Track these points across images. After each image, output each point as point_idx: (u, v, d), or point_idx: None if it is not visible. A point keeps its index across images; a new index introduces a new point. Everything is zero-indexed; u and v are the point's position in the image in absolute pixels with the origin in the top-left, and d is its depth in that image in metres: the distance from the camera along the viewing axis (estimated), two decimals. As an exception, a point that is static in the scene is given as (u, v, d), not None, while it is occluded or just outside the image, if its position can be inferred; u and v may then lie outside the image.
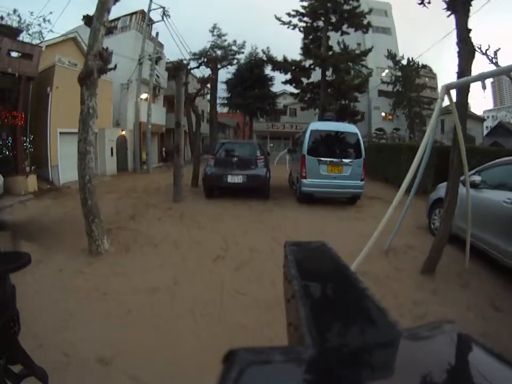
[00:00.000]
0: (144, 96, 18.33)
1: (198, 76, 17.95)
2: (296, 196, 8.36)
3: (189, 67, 14.91)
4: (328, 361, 0.33)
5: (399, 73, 34.02)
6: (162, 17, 17.38)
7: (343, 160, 7.56)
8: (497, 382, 0.31)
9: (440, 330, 0.36)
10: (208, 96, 18.81)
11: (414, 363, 0.33)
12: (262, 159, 8.13)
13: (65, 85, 13.42)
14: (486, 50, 12.20)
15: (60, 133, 13.51)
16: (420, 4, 6.16)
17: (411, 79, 33.37)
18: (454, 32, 4.35)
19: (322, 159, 7.50)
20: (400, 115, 36.40)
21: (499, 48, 12.01)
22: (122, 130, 17.71)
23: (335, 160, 7.53)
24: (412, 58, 33.30)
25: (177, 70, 8.47)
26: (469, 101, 4.51)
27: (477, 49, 11.97)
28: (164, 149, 21.08)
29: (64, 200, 8.76)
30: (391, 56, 33.62)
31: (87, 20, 4.72)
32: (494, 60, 12.06)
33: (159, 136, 22.85)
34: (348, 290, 0.47)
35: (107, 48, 4.74)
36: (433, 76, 40.00)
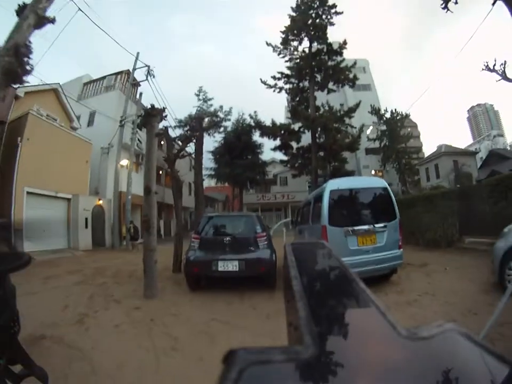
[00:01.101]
0: (124, 162, 16.88)
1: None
2: None
3: (173, 135, 13.27)
4: (327, 361, 0.33)
5: (384, 128, 34.35)
6: (147, 77, 16.76)
7: (376, 226, 5.60)
8: (497, 381, 0.31)
9: (440, 330, 0.36)
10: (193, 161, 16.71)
11: (414, 363, 0.33)
12: (264, 237, 6.05)
13: (40, 139, 12.37)
14: (493, 66, 11.38)
15: (28, 192, 11.85)
16: (443, 8, 6.53)
17: (396, 131, 33.57)
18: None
19: (349, 228, 5.50)
20: (390, 169, 36.07)
21: (505, 62, 11.27)
22: (99, 200, 15.89)
23: (365, 227, 5.56)
24: (395, 110, 33.87)
25: (149, 115, 6.54)
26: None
27: (484, 67, 11.31)
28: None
29: (24, 281, 5.98)
30: (375, 111, 34.12)
31: (21, 9, 3.18)
32: (504, 75, 11.21)
33: (142, 208, 20.86)
34: (347, 291, 0.46)
35: (30, 43, 3.14)
36: (414, 125, 40.82)
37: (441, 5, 7.24)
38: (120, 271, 8.40)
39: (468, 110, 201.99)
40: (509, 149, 47.08)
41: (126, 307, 4.95)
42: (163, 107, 7.31)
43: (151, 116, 6.57)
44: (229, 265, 5.60)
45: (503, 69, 11.06)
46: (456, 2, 7.03)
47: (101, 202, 15.80)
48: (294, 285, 0.43)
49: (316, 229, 5.98)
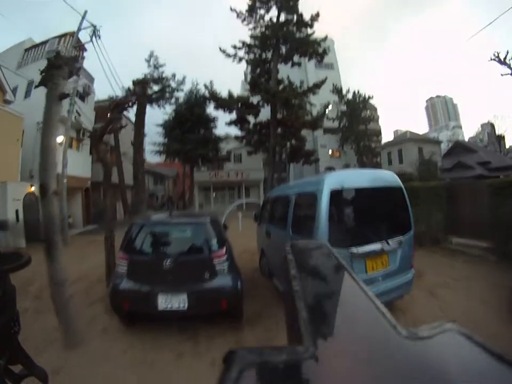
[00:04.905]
0: (60, 139, 14.31)
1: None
2: None
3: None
4: (327, 361, 0.33)
5: (344, 108, 33.82)
6: (91, 38, 14.07)
7: (389, 242, 3.93)
8: (497, 381, 0.32)
9: (440, 330, 0.36)
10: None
11: (414, 363, 0.33)
12: (224, 256, 4.15)
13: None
14: (504, 58, 10.94)
15: None
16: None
17: (357, 113, 33.21)
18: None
19: (356, 250, 3.71)
20: (348, 150, 35.95)
21: None
22: (31, 186, 13.34)
23: (378, 247, 3.85)
24: (358, 91, 33.37)
25: (52, 68, 4.33)
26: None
27: (494, 57, 10.77)
28: None
29: None
30: (337, 90, 33.38)
31: None
32: None
33: (83, 192, 18.55)
34: (347, 291, 0.45)
35: None
36: (374, 108, 40.81)
37: None
38: (45, 286, 6.57)
39: (427, 100, 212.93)
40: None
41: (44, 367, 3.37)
42: (76, 55, 5.23)
43: (55, 67, 4.29)
44: (174, 301, 3.86)
45: None
46: None
47: (33, 189, 13.20)
48: (294, 285, 0.42)
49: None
